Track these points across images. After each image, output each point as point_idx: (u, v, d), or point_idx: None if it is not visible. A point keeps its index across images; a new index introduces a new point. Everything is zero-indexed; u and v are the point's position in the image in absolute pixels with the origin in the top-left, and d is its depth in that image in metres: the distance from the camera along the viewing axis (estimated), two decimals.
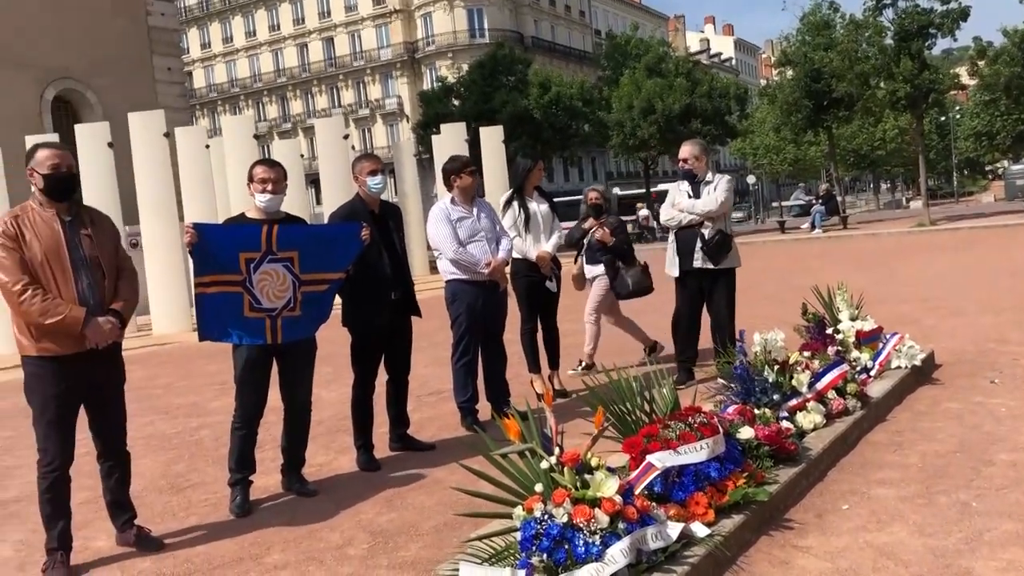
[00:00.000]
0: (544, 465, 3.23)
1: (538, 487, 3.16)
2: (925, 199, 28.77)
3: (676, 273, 6.74)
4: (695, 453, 3.64)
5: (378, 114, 62.94)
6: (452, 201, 5.92)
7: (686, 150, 6.77)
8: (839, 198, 33.05)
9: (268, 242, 4.57)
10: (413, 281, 5.52)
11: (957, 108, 62.08)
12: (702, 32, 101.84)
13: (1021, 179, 39.99)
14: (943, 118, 61.12)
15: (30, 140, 8.83)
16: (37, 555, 4.04)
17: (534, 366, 6.86)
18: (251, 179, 4.71)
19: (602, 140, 38.43)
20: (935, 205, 41.93)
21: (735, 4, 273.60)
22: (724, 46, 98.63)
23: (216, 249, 4.51)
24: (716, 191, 6.59)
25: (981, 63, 29.24)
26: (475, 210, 5.94)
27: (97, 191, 14.81)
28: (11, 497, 5.29)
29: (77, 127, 15.53)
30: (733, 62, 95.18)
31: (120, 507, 4.22)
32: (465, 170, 5.89)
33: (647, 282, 7.34)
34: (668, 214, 6.77)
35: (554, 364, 6.93)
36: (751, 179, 57.74)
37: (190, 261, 4.60)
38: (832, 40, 27.92)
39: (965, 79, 31.95)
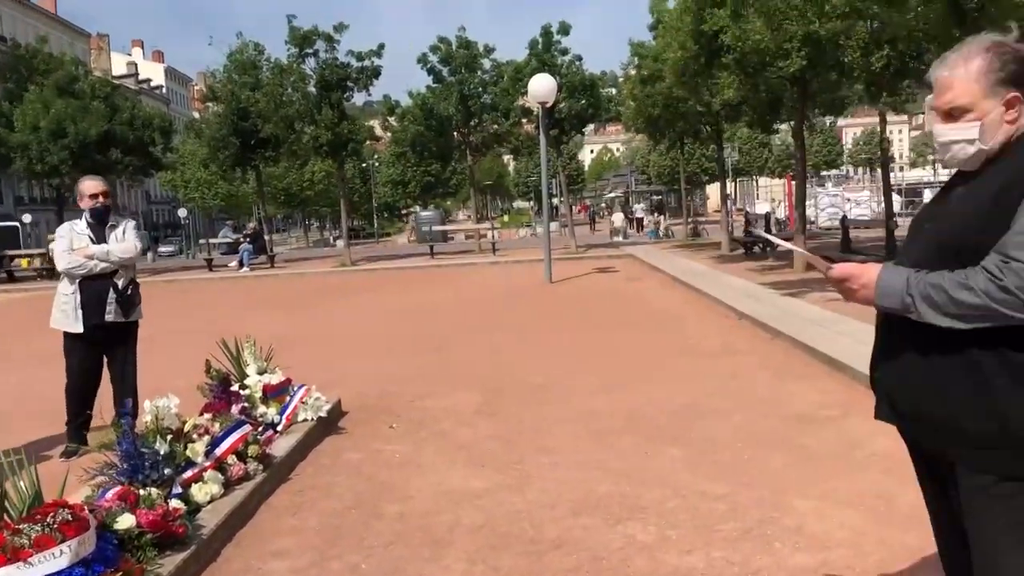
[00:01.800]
0: None
1: None
2: (346, 241, 30.65)
3: (80, 329, 5.88)
4: (52, 561, 3.04)
5: None
6: None
7: (99, 186, 6.03)
8: (267, 237, 33.66)
9: None
10: None
11: (376, 156, 68.15)
12: (130, 55, 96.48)
13: (427, 224, 45.17)
14: (364, 164, 66.54)
15: None
16: None
17: None
18: None
19: (3, 163, 33.61)
20: (358, 245, 45.19)
21: (166, 30, 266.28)
22: (155, 73, 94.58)
23: None
24: (127, 236, 5.98)
25: (391, 119, 32.30)
26: None
27: None
28: None
29: None
30: (164, 91, 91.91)
31: None
32: None
33: None
34: (74, 261, 5.86)
35: None
36: (183, 212, 56.07)
37: None
38: (259, 81, 28.36)
39: (380, 131, 34.95)
